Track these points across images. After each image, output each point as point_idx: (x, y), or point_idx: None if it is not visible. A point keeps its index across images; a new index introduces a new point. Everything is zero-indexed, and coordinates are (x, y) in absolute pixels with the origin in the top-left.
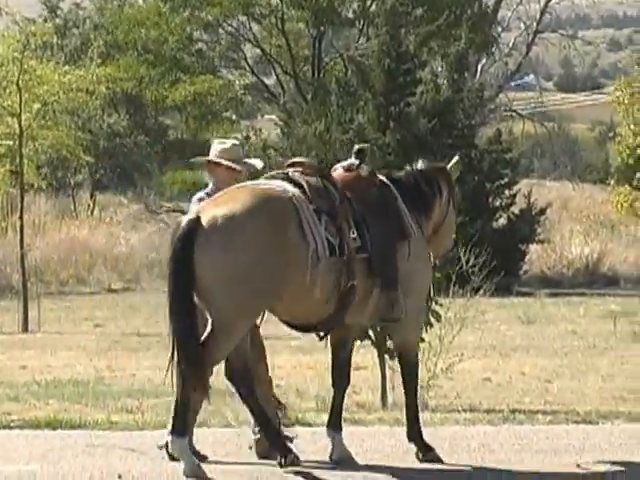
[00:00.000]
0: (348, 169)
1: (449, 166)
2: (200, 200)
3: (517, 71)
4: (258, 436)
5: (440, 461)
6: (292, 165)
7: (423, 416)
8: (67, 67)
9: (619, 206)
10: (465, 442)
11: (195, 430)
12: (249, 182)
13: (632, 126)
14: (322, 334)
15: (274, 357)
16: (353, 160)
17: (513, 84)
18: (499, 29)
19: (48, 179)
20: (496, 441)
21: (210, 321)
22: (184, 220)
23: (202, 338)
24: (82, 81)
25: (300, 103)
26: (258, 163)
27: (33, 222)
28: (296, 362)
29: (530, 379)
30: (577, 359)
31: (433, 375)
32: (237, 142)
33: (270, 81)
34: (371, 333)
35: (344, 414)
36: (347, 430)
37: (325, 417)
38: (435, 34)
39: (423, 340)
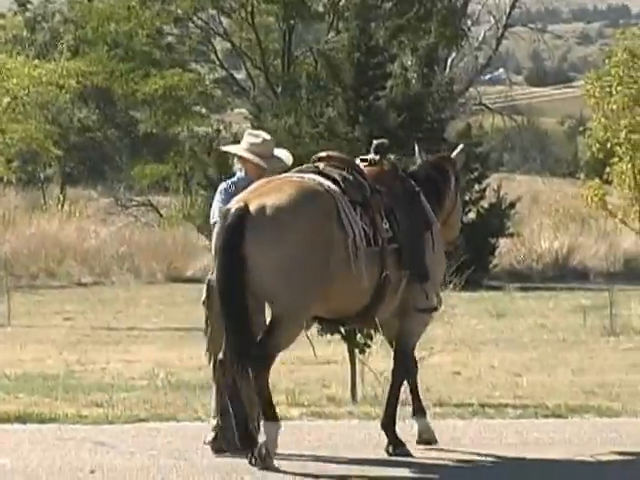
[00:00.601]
0: (370, 163)
1: (454, 155)
2: (226, 190)
3: (487, 65)
4: (213, 434)
5: (410, 456)
6: (321, 159)
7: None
8: (37, 61)
9: (589, 200)
10: (435, 436)
11: (164, 424)
12: (283, 175)
13: (602, 120)
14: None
15: None
16: (373, 154)
17: (483, 78)
18: (469, 23)
19: (18, 173)
20: (466, 435)
21: (271, 310)
22: (232, 209)
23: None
24: (52, 75)
25: (270, 97)
26: (287, 159)
27: (3, 216)
28: None
29: (500, 373)
30: (547, 353)
31: None
32: (268, 137)
33: (240, 75)
34: (340, 327)
35: (313, 408)
36: (316, 424)
37: (295, 411)
38: (405, 28)
39: None
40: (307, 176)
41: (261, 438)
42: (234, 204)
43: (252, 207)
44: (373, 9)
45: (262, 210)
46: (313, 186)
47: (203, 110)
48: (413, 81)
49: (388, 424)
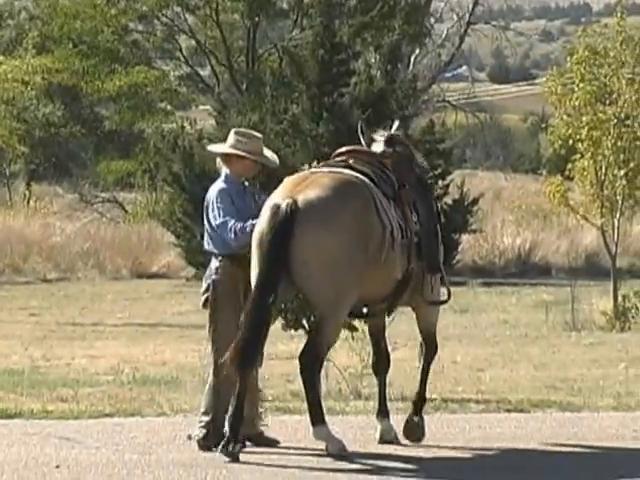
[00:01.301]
0: (384, 156)
1: (393, 130)
2: (224, 191)
3: (450, 62)
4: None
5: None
6: (345, 153)
7: (356, 405)
8: (2, 57)
9: (551, 196)
10: (398, 430)
11: (129, 419)
12: (317, 169)
13: (564, 117)
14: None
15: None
16: (385, 147)
17: (446, 75)
18: (432, 20)
19: None
20: (429, 429)
21: (317, 306)
22: (283, 205)
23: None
24: (17, 71)
25: (235, 94)
26: (273, 158)
27: None
28: None
29: (462, 368)
30: (509, 348)
31: (366, 364)
32: (257, 134)
33: (205, 72)
34: (305, 322)
35: (277, 403)
36: (280, 419)
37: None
38: (369, 25)
39: (357, 329)
40: (344, 170)
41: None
42: (281, 200)
43: (301, 203)
44: (337, 6)
45: (311, 205)
46: (353, 180)
47: (168, 107)
48: (377, 78)
49: (418, 420)
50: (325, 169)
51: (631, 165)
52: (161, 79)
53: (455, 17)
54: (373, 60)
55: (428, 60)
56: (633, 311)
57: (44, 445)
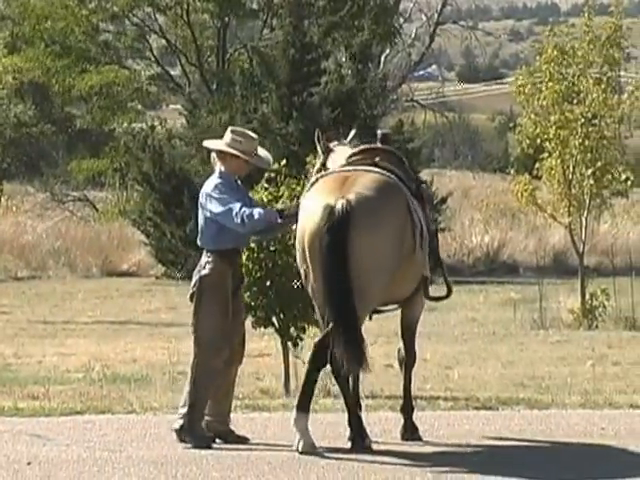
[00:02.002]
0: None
1: (349, 139)
2: (220, 184)
3: (419, 62)
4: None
5: (421, 440)
6: (366, 151)
7: (325, 402)
8: None
9: (519, 195)
10: (367, 428)
11: (99, 417)
12: (352, 168)
13: (532, 116)
14: None
15: (178, 344)
16: (380, 145)
17: (415, 75)
18: (401, 20)
19: None
20: (398, 427)
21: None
22: (338, 205)
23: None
24: None
25: (205, 93)
26: (267, 157)
27: None
28: None
29: (431, 366)
30: (477, 346)
31: None
32: (253, 135)
33: (175, 72)
34: (275, 320)
35: (247, 401)
36: (250, 416)
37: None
38: (338, 25)
39: None
40: (380, 170)
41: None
42: (332, 200)
43: (354, 204)
44: (307, 6)
45: (365, 206)
46: (391, 180)
47: (139, 106)
48: (346, 78)
49: (407, 412)
50: (359, 168)
51: (598, 164)
52: (132, 79)
53: (424, 17)
54: (343, 60)
55: (398, 60)
56: (600, 309)
57: (15, 442)
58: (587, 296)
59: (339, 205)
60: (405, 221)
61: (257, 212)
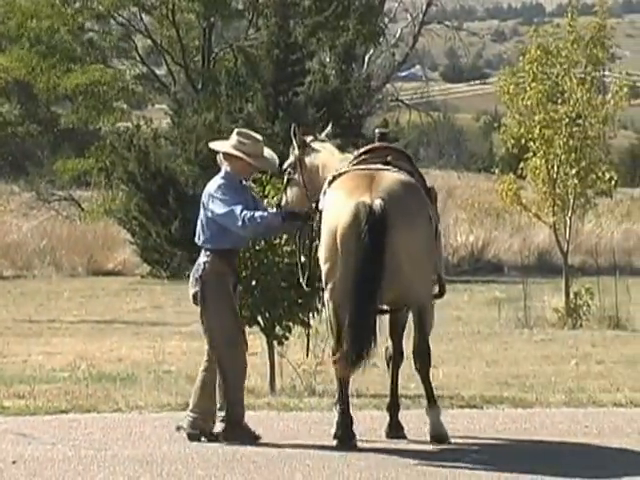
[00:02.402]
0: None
1: (324, 134)
2: (224, 185)
3: (404, 62)
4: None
5: (405, 439)
6: (376, 150)
7: (310, 401)
8: None
9: (503, 194)
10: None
11: (85, 415)
12: (373, 166)
13: (516, 116)
14: None
15: (164, 343)
16: (379, 144)
17: (400, 74)
18: (386, 20)
19: None
20: (383, 426)
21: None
22: (375, 205)
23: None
24: None
25: (190, 93)
26: (273, 159)
27: None
28: (185, 348)
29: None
30: (462, 345)
31: (321, 361)
32: (258, 137)
33: (161, 71)
34: (260, 319)
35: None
36: None
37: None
38: (323, 25)
39: (310, 326)
40: (395, 169)
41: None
42: (367, 199)
43: (391, 203)
44: (292, 7)
45: (401, 205)
46: (413, 180)
47: (124, 106)
48: (331, 77)
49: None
50: (380, 167)
51: (582, 164)
52: (117, 78)
53: (409, 17)
54: (328, 60)
55: (382, 60)
56: (584, 308)
57: (1, 441)
58: (571, 295)
59: (377, 204)
60: (430, 221)
61: (259, 216)
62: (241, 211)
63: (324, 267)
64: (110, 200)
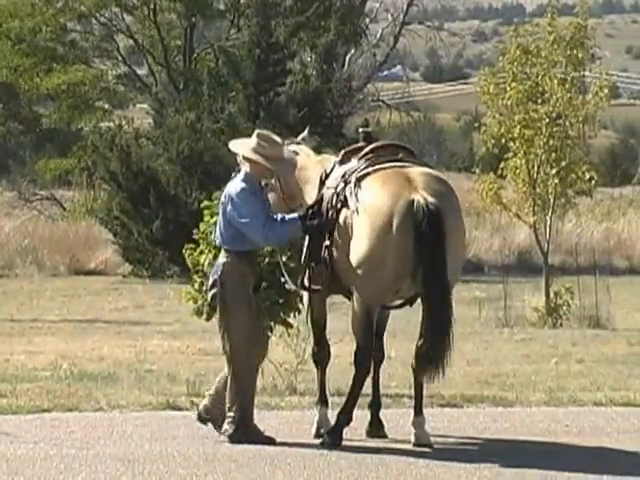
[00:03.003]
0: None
1: (300, 137)
2: (245, 190)
3: (385, 62)
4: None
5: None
6: (385, 147)
7: (291, 400)
8: None
9: (484, 194)
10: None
11: (67, 414)
12: (392, 164)
13: (497, 116)
14: None
15: (145, 342)
16: (363, 143)
17: (381, 74)
18: (367, 21)
19: None
20: (363, 425)
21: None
22: (431, 205)
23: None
24: None
25: (172, 93)
26: (291, 165)
27: None
28: (167, 347)
29: (396, 364)
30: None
31: (302, 360)
32: (278, 140)
33: (142, 71)
34: None
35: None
36: None
37: (195, 401)
38: (305, 25)
39: (291, 326)
40: (420, 167)
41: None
42: (420, 197)
43: (442, 202)
44: (273, 7)
45: (451, 204)
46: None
47: (106, 105)
48: (312, 77)
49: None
50: (406, 165)
51: (563, 164)
52: (99, 78)
53: (390, 17)
54: (309, 60)
55: (363, 60)
56: (564, 308)
57: None
58: (551, 295)
59: (433, 206)
60: None
61: (281, 229)
62: (264, 224)
63: (364, 267)
64: (92, 200)
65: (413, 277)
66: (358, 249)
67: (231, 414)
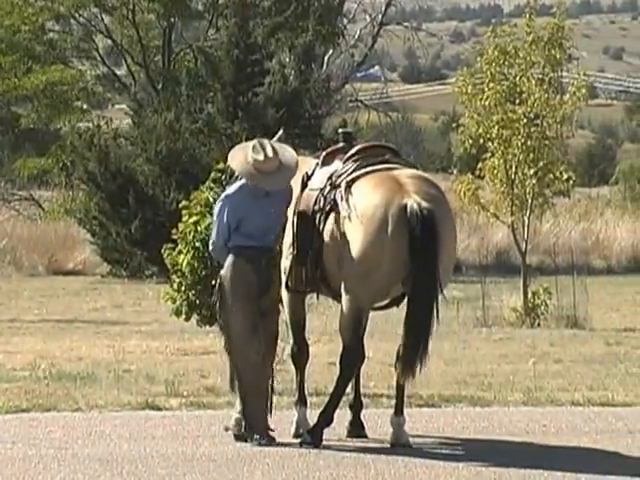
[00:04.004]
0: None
1: (276, 138)
2: (225, 201)
3: (363, 62)
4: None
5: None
6: (372, 148)
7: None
8: None
9: (462, 194)
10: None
11: (45, 414)
12: (384, 166)
13: (475, 116)
14: None
15: (124, 342)
16: (344, 144)
17: (359, 75)
18: (345, 21)
19: None
20: (341, 425)
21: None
22: (425, 209)
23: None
24: None
25: (150, 93)
26: (284, 180)
27: None
28: (146, 347)
29: (374, 363)
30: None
31: (280, 360)
32: (271, 154)
33: (121, 71)
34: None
35: (192, 398)
36: (195, 414)
37: (174, 402)
38: (283, 26)
39: None
40: (409, 169)
41: None
42: (413, 202)
43: (435, 207)
44: (252, 7)
45: (444, 207)
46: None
47: (84, 106)
48: (291, 78)
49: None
50: (393, 166)
51: (540, 164)
52: (78, 78)
53: (368, 18)
54: (287, 60)
55: (341, 60)
56: (542, 307)
57: None
58: (529, 295)
59: (426, 210)
60: None
61: (221, 252)
62: (216, 236)
63: (357, 271)
64: (70, 200)
65: (405, 280)
66: (352, 254)
67: (236, 415)
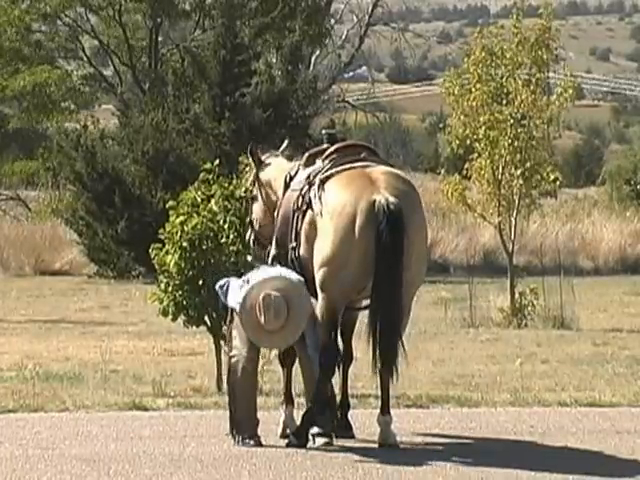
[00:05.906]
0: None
1: (281, 149)
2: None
3: (350, 63)
4: None
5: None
6: (349, 147)
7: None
8: None
9: (449, 195)
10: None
11: (32, 415)
12: (359, 164)
13: (462, 117)
14: None
15: (111, 342)
16: (327, 145)
17: (346, 75)
18: (332, 22)
19: None
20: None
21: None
22: (392, 205)
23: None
24: None
25: (137, 93)
26: (280, 343)
27: None
28: (132, 347)
29: (362, 364)
30: (408, 344)
31: (267, 360)
32: (279, 313)
33: (108, 72)
34: (207, 319)
35: (179, 399)
36: (182, 414)
37: (161, 402)
38: (270, 26)
39: None
40: (384, 166)
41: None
42: (381, 197)
43: (403, 201)
44: (239, 7)
45: (413, 203)
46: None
47: (71, 106)
48: (278, 78)
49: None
50: (369, 164)
51: (527, 165)
52: (64, 78)
53: (355, 19)
54: (274, 60)
55: (328, 61)
56: (529, 308)
57: None
58: (516, 295)
59: (394, 204)
60: None
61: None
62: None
63: (328, 267)
64: (57, 200)
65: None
66: (322, 250)
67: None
